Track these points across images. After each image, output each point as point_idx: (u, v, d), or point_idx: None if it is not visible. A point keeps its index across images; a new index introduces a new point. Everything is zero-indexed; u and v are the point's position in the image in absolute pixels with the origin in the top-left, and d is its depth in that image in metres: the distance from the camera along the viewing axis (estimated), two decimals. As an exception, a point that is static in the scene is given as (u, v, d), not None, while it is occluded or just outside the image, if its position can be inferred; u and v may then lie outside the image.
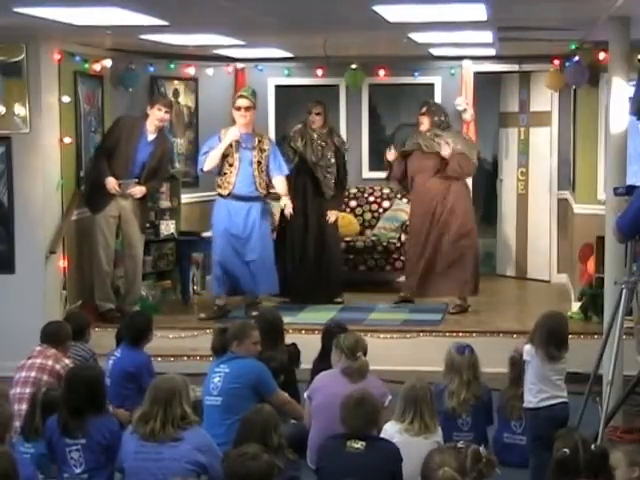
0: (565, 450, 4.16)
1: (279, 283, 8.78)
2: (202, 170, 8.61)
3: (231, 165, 8.47)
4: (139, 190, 8.47)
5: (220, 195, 8.57)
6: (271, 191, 8.75)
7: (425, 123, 8.85)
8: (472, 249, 8.83)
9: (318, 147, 9.05)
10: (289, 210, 8.70)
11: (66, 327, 6.30)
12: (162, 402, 4.66)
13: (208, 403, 5.78)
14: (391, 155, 9.02)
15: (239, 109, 8.45)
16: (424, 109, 8.91)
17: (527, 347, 5.37)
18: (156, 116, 8.48)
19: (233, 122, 8.53)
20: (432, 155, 8.75)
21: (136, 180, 8.48)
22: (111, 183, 8.34)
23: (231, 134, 8.41)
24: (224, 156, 8.44)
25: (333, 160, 9.07)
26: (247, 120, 8.45)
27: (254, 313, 8.52)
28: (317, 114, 9.05)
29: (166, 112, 8.54)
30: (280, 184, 8.66)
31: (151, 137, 8.54)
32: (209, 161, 8.45)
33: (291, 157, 9.07)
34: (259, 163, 8.53)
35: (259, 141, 8.58)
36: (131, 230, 8.58)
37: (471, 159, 8.86)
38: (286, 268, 9.06)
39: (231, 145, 8.42)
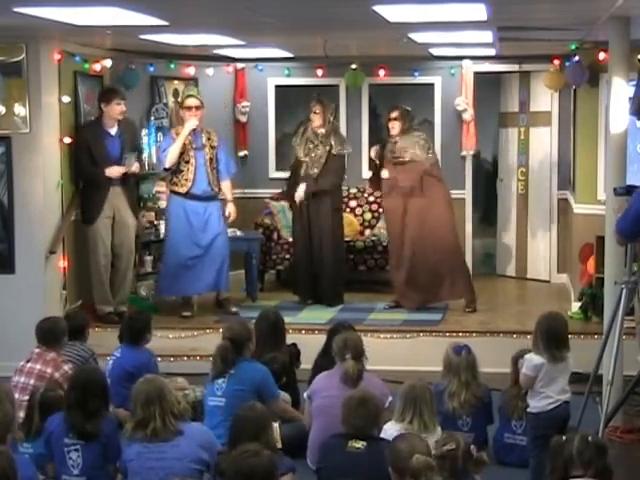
0: (562, 437, 4.12)
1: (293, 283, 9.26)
2: (165, 168, 8.60)
3: (187, 162, 8.51)
4: (137, 166, 8.47)
5: (175, 193, 8.56)
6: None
7: (396, 128, 8.75)
8: (456, 259, 8.79)
9: (310, 144, 8.99)
10: (233, 216, 8.70)
11: (61, 322, 6.28)
12: (156, 400, 4.66)
13: (212, 404, 5.77)
14: (373, 152, 8.96)
15: (190, 109, 8.50)
16: (395, 114, 8.78)
17: (535, 358, 5.27)
18: (116, 110, 8.40)
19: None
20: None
21: (135, 153, 8.54)
22: (113, 169, 8.32)
23: (189, 125, 8.44)
24: (180, 154, 8.46)
25: (323, 160, 8.92)
26: (199, 118, 8.51)
27: (234, 309, 8.58)
28: (315, 112, 9.00)
29: (124, 104, 8.48)
30: (227, 189, 8.70)
31: (114, 131, 8.49)
32: (170, 156, 8.45)
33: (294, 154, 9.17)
34: (211, 160, 8.59)
35: (208, 138, 8.65)
36: (125, 231, 8.54)
37: (419, 162, 8.69)
38: (294, 268, 9.25)
39: (186, 143, 8.45)
